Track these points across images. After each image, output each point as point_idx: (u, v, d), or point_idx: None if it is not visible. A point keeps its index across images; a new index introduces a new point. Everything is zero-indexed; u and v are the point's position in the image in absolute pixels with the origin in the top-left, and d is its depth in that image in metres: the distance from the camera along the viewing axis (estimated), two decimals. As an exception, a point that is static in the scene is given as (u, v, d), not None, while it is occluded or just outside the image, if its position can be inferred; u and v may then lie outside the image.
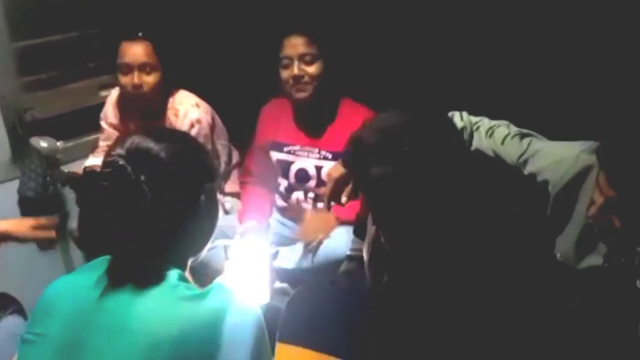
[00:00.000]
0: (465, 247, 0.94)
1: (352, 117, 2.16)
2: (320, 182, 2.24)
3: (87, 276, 1.10)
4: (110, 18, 2.41)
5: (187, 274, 1.14)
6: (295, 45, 2.11)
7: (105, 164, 1.05)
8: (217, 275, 1.63)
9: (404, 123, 1.29)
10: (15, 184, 2.27)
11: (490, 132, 1.67)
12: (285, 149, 2.29)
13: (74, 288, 1.10)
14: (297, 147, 2.27)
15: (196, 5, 2.57)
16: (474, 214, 0.95)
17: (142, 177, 1.03)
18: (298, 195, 2.31)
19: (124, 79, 2.18)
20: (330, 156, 2.22)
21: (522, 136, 1.64)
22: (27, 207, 2.28)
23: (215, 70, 2.53)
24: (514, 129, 1.67)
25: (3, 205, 2.18)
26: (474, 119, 1.72)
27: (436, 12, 2.28)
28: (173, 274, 1.06)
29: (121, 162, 1.03)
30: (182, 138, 1.17)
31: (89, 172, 1.04)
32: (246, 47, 2.54)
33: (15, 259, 2.09)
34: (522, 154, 1.60)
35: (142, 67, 2.15)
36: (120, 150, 1.07)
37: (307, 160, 2.26)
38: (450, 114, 1.74)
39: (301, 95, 2.14)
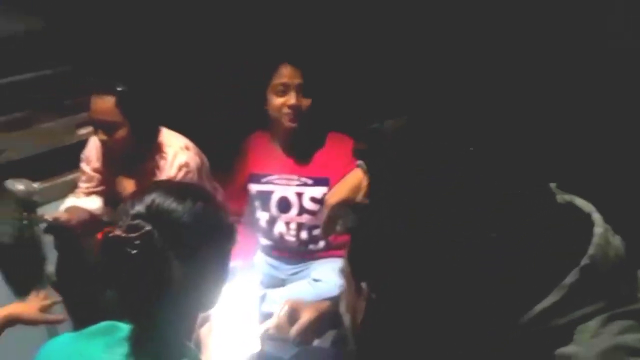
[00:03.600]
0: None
1: (336, 146, 2.17)
2: (302, 210, 2.21)
3: (97, 344, 1.04)
4: (82, 55, 2.36)
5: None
6: (294, 74, 2.11)
7: (129, 227, 0.99)
8: (205, 321, 1.59)
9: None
10: (-10, 229, 2.20)
11: None
12: (263, 180, 2.26)
13: (81, 356, 1.05)
14: (274, 177, 2.24)
15: (173, 41, 2.53)
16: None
17: (167, 244, 0.99)
18: (280, 227, 2.26)
19: (94, 133, 2.12)
20: (310, 182, 2.19)
21: None
22: (3, 252, 2.23)
23: (193, 110, 2.49)
24: None
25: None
26: None
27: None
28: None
29: (147, 227, 0.98)
30: (202, 196, 1.11)
31: (112, 237, 0.97)
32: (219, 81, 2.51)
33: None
34: None
35: (104, 125, 2.05)
36: (139, 208, 1.01)
37: (287, 188, 2.22)
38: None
39: (293, 125, 2.13)
